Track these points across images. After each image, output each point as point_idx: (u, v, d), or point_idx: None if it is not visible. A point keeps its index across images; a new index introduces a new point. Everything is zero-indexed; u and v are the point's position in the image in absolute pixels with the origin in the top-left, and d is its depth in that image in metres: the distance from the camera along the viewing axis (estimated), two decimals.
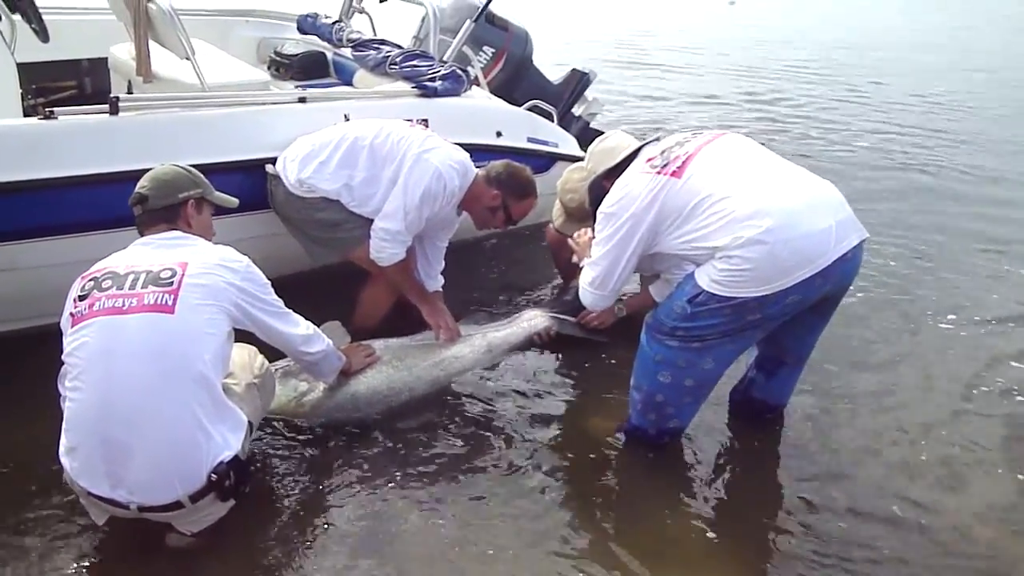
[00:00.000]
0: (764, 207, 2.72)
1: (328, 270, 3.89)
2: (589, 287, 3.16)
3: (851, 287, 3.06)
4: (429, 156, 3.56)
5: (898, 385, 3.81)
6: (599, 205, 3.09)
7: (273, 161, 3.74)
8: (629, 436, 3.24)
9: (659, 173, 2.89)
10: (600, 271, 3.08)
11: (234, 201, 3.02)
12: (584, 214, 3.69)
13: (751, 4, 20.73)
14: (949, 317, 4.48)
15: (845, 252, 2.79)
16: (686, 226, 2.85)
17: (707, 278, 2.81)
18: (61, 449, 2.49)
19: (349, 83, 4.98)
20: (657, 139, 3.16)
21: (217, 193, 2.92)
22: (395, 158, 3.58)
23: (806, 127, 8.84)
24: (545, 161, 4.75)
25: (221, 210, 2.97)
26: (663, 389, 3.03)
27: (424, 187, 3.53)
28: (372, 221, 3.62)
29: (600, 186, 3.20)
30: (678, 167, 2.88)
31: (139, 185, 2.76)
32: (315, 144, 3.65)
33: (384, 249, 3.58)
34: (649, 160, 2.98)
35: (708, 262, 2.82)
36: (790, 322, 2.96)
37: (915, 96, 10.81)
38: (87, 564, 2.58)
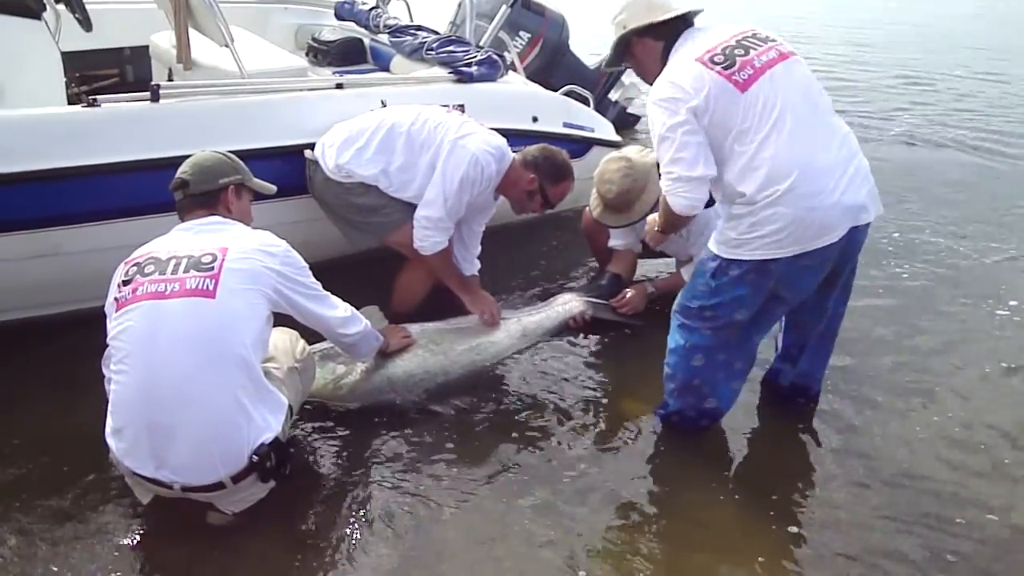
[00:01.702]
0: (799, 164, 2.67)
1: (365, 255, 3.93)
2: (677, 184, 2.76)
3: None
4: (466, 142, 3.58)
5: (946, 373, 3.75)
6: (619, 62, 3.03)
7: (311, 147, 3.77)
8: (667, 421, 3.21)
9: (722, 75, 2.71)
10: (683, 162, 2.72)
11: (272, 188, 3.06)
12: (622, 204, 3.69)
13: None
14: (1011, 303, 4.39)
15: (861, 224, 2.81)
16: (735, 150, 2.73)
17: (724, 245, 2.81)
18: (107, 430, 2.56)
19: (386, 69, 5.01)
20: (705, 28, 2.92)
21: (256, 180, 2.96)
22: (432, 144, 3.60)
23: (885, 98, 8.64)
24: (581, 146, 4.74)
25: (260, 195, 3.01)
26: (698, 373, 3.02)
27: (462, 173, 3.54)
28: (410, 206, 3.65)
29: (627, 43, 2.99)
30: (745, 79, 2.71)
31: (180, 170, 2.80)
32: (353, 130, 3.69)
33: (427, 238, 3.60)
34: (710, 53, 2.75)
35: (722, 227, 2.83)
36: (809, 301, 2.96)
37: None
38: (132, 541, 2.64)
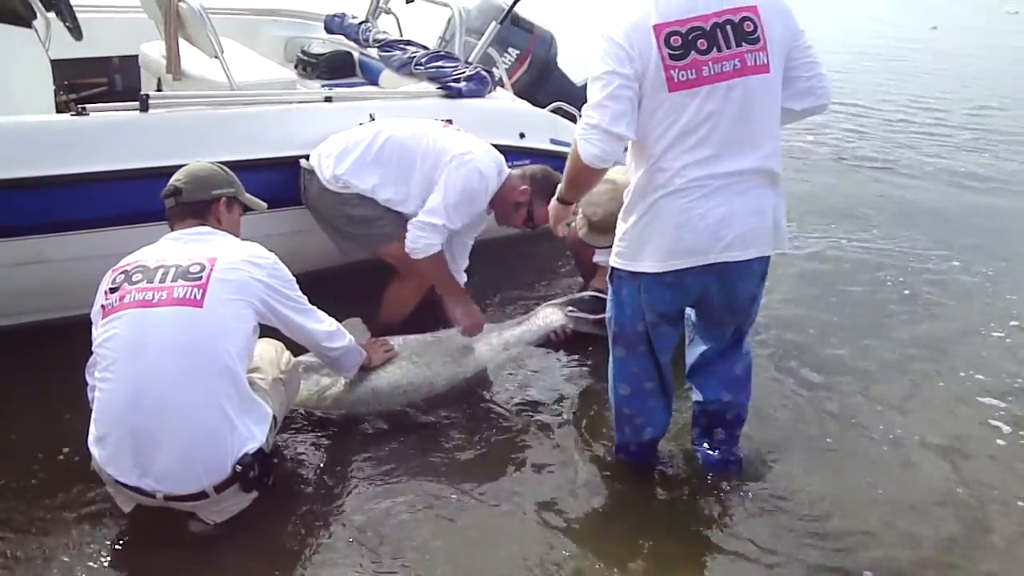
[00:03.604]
0: (686, 178, 2.56)
1: (353, 267, 3.94)
2: (593, 131, 2.50)
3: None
4: (471, 158, 3.61)
5: (919, 395, 3.76)
6: None
7: (301, 159, 3.79)
8: (618, 456, 3.17)
9: (664, 63, 2.47)
10: (608, 112, 2.48)
11: (263, 205, 3.09)
12: (608, 225, 3.71)
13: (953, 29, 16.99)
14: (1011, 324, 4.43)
15: (736, 260, 2.66)
16: (640, 142, 2.59)
17: (612, 253, 2.79)
18: (90, 438, 2.57)
19: (375, 83, 5.03)
20: None
21: (248, 195, 2.98)
22: (430, 158, 3.63)
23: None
24: None
25: (249, 207, 3.03)
26: (627, 403, 3.00)
27: (467, 185, 3.58)
28: (404, 218, 3.67)
29: None
30: (680, 81, 2.48)
31: (174, 178, 2.82)
32: (350, 141, 3.71)
33: (420, 239, 3.57)
34: (673, 27, 2.48)
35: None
36: (696, 328, 2.98)
37: None
38: (112, 550, 2.64)
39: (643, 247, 2.67)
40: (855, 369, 3.92)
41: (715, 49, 2.50)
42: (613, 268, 2.82)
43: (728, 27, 2.51)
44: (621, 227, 2.76)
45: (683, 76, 2.48)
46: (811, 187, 6.53)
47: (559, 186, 2.88)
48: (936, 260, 5.22)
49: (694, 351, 3.09)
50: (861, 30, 15.21)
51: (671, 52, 2.47)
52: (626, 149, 2.68)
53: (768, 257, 2.77)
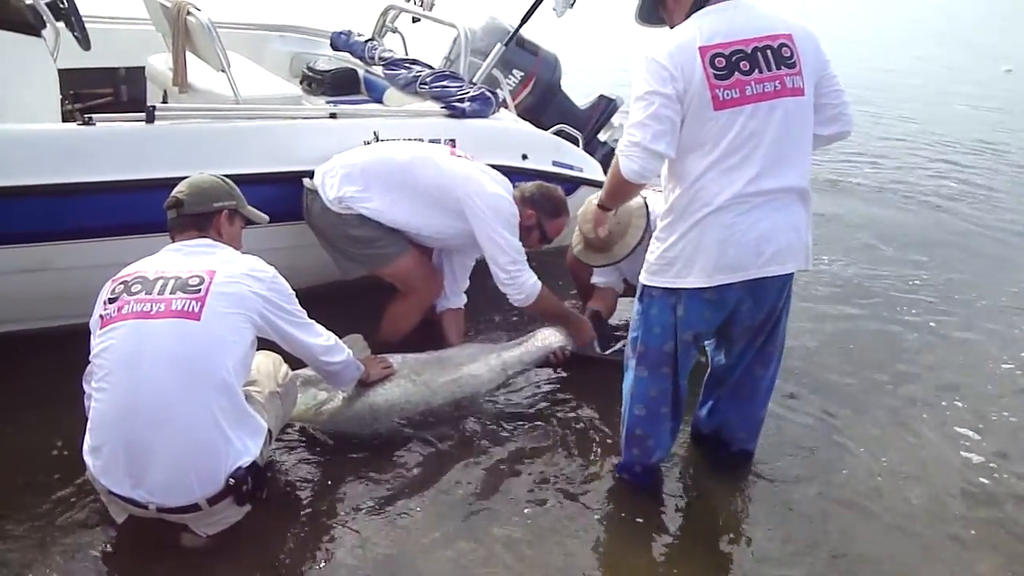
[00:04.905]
0: (730, 194, 2.64)
1: (355, 282, 3.94)
2: (634, 148, 2.62)
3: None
4: (485, 188, 3.68)
5: (907, 427, 3.76)
6: (654, 13, 2.84)
7: (303, 174, 3.81)
8: (621, 478, 3.19)
9: (708, 82, 2.57)
10: (649, 131, 2.59)
11: (265, 217, 3.10)
12: (604, 244, 3.73)
13: None
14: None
15: (775, 274, 2.76)
16: (684, 157, 2.67)
17: (644, 271, 2.85)
18: (85, 447, 2.56)
19: (379, 101, 5.05)
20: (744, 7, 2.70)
21: (249, 208, 3.00)
22: (435, 185, 3.68)
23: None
24: (570, 185, 4.77)
25: (250, 220, 3.04)
26: (640, 423, 3.01)
27: (503, 217, 3.67)
28: (405, 239, 3.74)
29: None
30: (725, 99, 2.59)
31: (176, 190, 2.84)
32: (354, 163, 3.73)
33: (521, 287, 3.69)
34: (717, 49, 2.59)
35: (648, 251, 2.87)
36: (719, 346, 3.05)
37: None
38: (104, 560, 2.63)
39: (687, 264, 2.73)
40: (860, 397, 3.95)
41: (757, 71, 2.62)
42: (645, 286, 2.86)
43: (768, 51, 2.64)
44: (656, 246, 2.81)
45: (728, 95, 2.60)
46: (848, 215, 6.57)
47: (600, 193, 3.01)
48: (957, 292, 5.27)
49: (709, 383, 3.24)
50: (932, 74, 15.02)
51: (716, 72, 2.59)
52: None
53: (793, 274, 2.85)
